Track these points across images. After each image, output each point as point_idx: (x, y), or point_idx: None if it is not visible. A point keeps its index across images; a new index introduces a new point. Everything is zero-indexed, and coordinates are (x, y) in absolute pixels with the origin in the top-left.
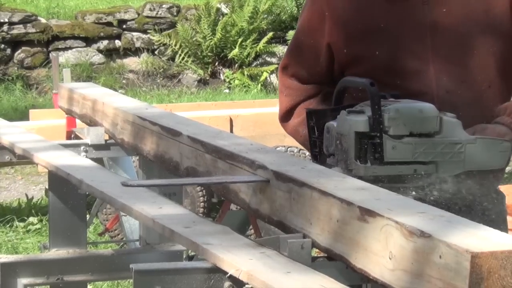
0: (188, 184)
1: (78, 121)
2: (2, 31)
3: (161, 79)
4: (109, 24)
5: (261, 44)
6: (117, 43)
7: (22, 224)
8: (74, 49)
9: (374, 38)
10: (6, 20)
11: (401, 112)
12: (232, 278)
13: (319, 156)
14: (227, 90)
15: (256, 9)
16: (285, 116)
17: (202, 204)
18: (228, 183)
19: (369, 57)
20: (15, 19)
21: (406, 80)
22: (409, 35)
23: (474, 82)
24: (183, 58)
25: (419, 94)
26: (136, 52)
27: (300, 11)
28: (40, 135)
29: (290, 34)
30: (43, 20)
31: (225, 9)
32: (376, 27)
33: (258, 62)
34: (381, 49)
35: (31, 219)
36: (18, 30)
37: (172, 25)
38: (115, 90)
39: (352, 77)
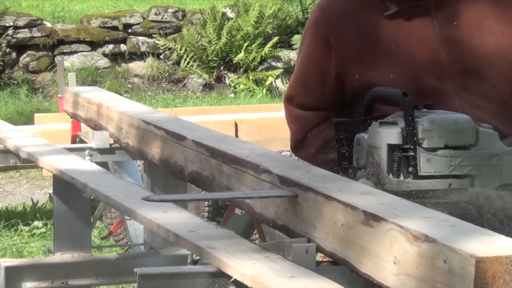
0: (212, 199)
1: (83, 125)
2: (8, 35)
3: (166, 83)
4: (115, 28)
5: (267, 48)
6: (123, 47)
7: (27, 228)
8: (79, 53)
9: (386, 60)
10: (12, 24)
11: (436, 123)
12: (236, 283)
13: (348, 169)
14: (232, 95)
15: (262, 13)
16: (298, 146)
17: (206, 208)
18: (254, 198)
19: (383, 81)
20: (21, 23)
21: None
22: (422, 53)
23: (495, 93)
24: (188, 63)
25: None
26: (142, 56)
27: (300, 41)
28: (45, 139)
29: (296, 38)
30: (48, 24)
31: (230, 14)
32: (386, 49)
33: (263, 66)
34: (394, 71)
35: (36, 223)
36: (24, 34)
37: (178, 29)
38: (120, 94)
39: (383, 87)
